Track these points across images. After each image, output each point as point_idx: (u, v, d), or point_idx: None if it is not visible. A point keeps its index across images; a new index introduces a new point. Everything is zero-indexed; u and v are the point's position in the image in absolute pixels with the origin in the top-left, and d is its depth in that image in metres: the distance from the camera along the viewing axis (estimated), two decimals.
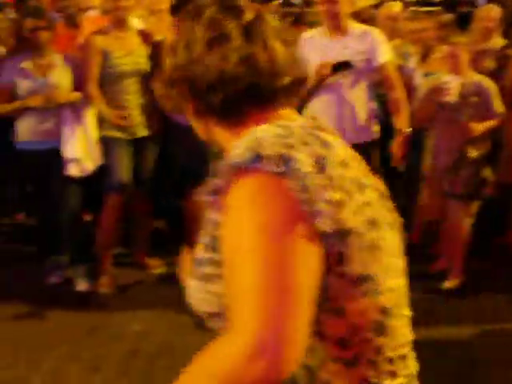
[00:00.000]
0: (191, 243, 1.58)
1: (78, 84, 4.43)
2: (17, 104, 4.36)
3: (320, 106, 4.24)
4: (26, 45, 4.51)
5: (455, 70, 4.40)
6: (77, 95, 4.39)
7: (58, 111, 4.37)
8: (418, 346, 1.36)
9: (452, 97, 4.37)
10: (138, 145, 4.54)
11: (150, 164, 4.67)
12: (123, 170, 4.48)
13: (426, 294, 4.39)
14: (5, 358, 3.75)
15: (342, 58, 4.16)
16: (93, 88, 4.39)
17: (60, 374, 3.59)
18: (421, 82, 4.87)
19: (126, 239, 5.01)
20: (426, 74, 4.88)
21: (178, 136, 4.44)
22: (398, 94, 4.36)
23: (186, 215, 4.59)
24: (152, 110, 4.43)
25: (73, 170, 4.40)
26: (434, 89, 4.46)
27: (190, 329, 2.19)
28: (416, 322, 1.35)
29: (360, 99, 4.28)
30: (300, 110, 4.44)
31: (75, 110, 4.40)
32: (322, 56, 4.16)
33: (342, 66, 4.11)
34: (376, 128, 4.40)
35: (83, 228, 4.72)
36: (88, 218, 5.09)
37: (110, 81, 4.42)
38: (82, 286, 4.59)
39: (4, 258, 5.05)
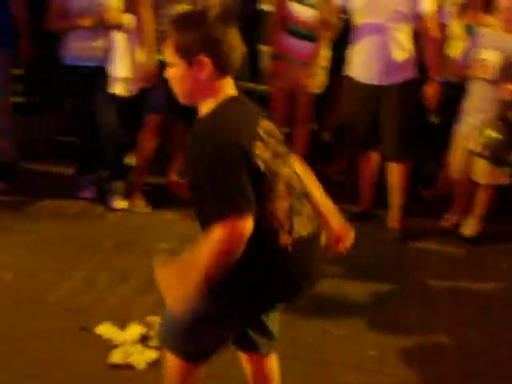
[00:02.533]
0: None
1: (131, 5, 4.44)
2: (69, 23, 4.42)
3: (364, 47, 4.32)
4: None
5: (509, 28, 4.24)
6: (128, 17, 4.44)
7: (109, 31, 4.43)
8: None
9: (490, 74, 4.24)
10: None
11: None
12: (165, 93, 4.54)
13: None
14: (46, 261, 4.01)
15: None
16: (146, 11, 4.39)
17: (91, 281, 3.84)
18: (460, 35, 4.73)
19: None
20: (467, 27, 4.72)
21: None
22: (435, 48, 4.39)
23: None
24: None
25: (117, 89, 4.50)
26: (473, 64, 4.32)
27: None
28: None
29: (402, 42, 4.30)
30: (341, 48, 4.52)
31: (125, 31, 4.46)
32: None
33: None
34: (415, 68, 4.41)
35: (121, 146, 4.85)
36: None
37: (162, 4, 4.41)
38: (117, 203, 4.76)
39: (46, 177, 5.24)
